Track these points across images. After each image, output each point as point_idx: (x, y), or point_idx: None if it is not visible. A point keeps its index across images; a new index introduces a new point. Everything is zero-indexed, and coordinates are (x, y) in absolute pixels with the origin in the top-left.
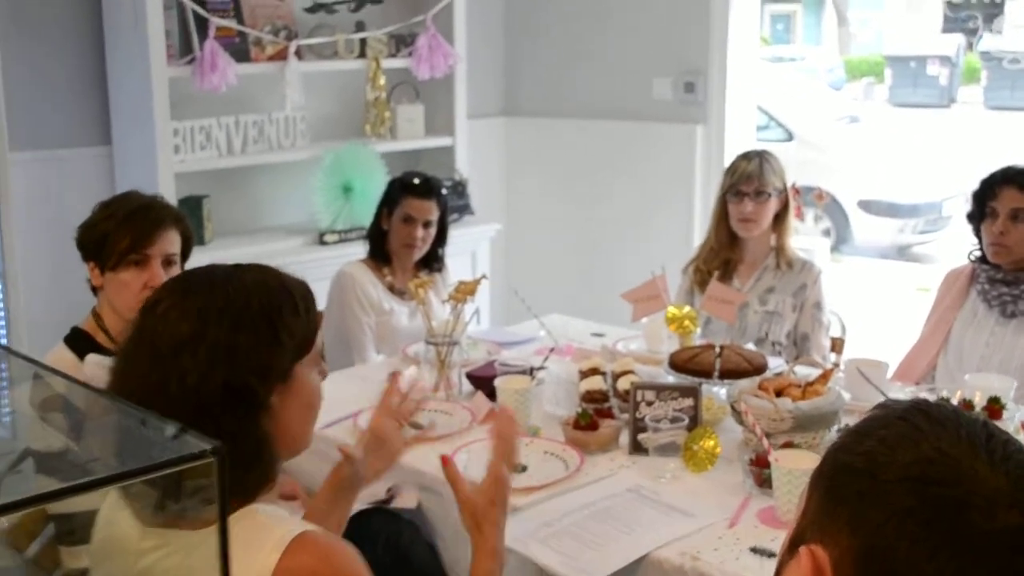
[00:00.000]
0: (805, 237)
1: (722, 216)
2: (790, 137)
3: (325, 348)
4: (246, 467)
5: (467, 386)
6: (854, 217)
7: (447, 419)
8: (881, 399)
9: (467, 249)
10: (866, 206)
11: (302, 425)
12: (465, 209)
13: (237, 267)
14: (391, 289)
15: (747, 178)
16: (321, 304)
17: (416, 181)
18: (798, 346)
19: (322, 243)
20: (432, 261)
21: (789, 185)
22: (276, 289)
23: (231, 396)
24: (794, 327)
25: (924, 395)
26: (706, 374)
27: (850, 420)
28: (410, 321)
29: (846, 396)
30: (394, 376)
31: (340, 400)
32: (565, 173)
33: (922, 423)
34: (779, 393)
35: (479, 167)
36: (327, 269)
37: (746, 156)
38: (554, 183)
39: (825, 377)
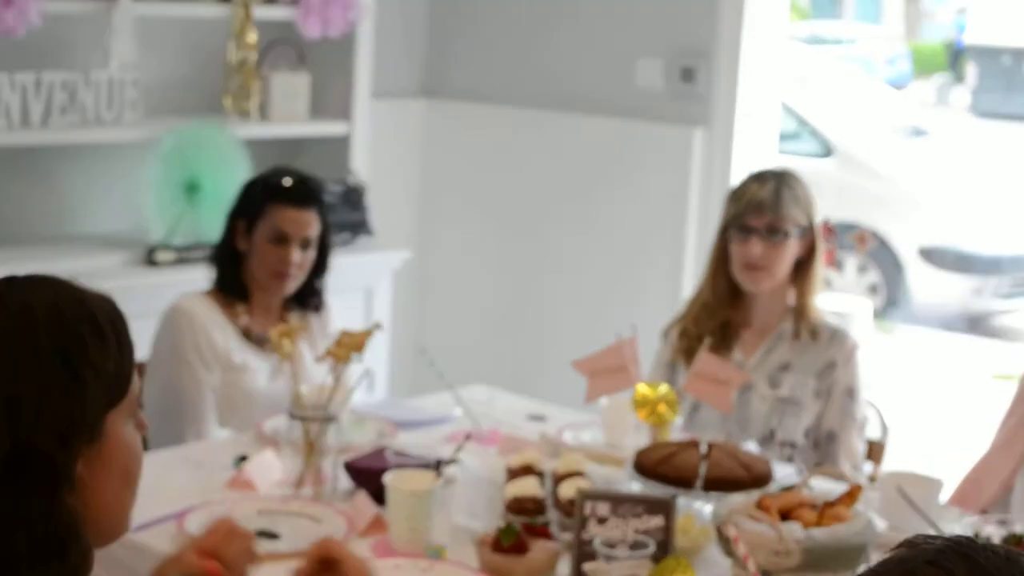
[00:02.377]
0: (840, 295)
1: (721, 259)
2: (827, 152)
3: (146, 415)
4: (46, 569)
5: (345, 481)
6: (912, 270)
7: (313, 528)
8: (928, 531)
9: (359, 285)
10: (929, 256)
11: (119, 499)
12: (360, 227)
13: (12, 281)
14: (246, 335)
15: (758, 208)
16: (142, 350)
17: (288, 183)
18: (820, 449)
19: (151, 263)
20: (307, 298)
21: (819, 221)
22: (72, 310)
23: (18, 468)
24: (816, 422)
25: (989, 529)
26: (685, 483)
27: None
28: (270, 383)
29: (880, 524)
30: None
31: (162, 491)
32: (506, 184)
33: (959, 572)
34: (786, 515)
35: (385, 168)
36: (156, 301)
37: (760, 177)
38: (490, 198)
39: (852, 496)
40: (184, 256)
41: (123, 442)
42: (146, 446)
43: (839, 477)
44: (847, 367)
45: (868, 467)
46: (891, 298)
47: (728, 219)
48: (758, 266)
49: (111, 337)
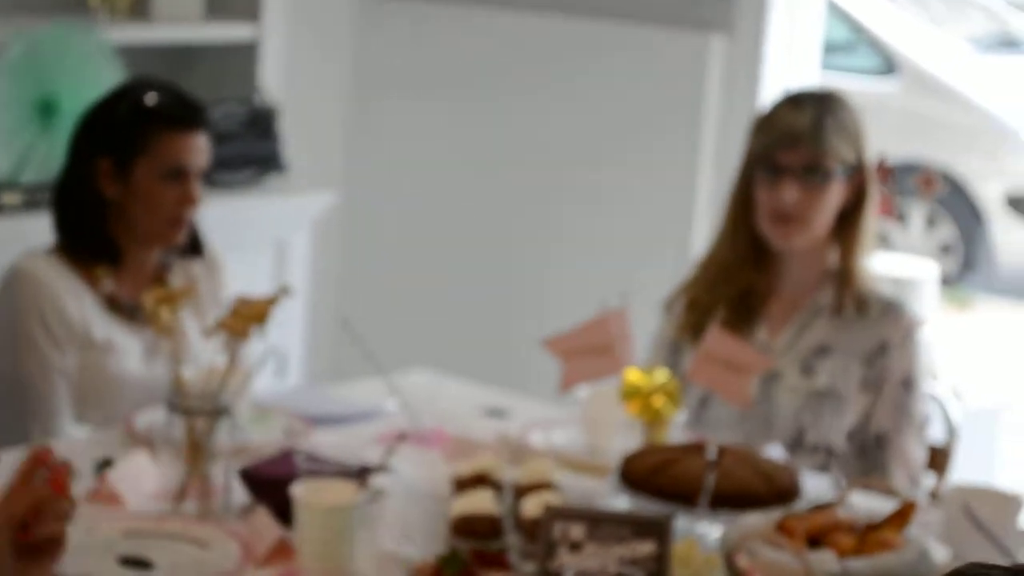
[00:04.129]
0: (900, 257)
1: (743, 207)
2: (889, 69)
3: None
4: None
5: (241, 494)
6: (996, 225)
7: (197, 554)
8: (998, 559)
9: (267, 237)
10: (1019, 206)
11: None
12: (270, 162)
13: None
14: (111, 305)
15: (792, 140)
16: None
17: (159, 100)
18: (866, 456)
19: None
20: (192, 247)
21: (873, 158)
22: None
23: None
24: (862, 422)
25: None
26: (686, 498)
27: None
28: (144, 365)
29: (940, 554)
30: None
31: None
32: (462, 108)
33: None
34: (817, 541)
35: (304, 85)
36: None
37: (795, 101)
38: (440, 125)
39: (903, 516)
40: (35, 199)
41: None
42: None
43: (888, 492)
44: (904, 351)
45: (929, 480)
46: (968, 261)
47: (753, 155)
48: (791, 216)
49: None
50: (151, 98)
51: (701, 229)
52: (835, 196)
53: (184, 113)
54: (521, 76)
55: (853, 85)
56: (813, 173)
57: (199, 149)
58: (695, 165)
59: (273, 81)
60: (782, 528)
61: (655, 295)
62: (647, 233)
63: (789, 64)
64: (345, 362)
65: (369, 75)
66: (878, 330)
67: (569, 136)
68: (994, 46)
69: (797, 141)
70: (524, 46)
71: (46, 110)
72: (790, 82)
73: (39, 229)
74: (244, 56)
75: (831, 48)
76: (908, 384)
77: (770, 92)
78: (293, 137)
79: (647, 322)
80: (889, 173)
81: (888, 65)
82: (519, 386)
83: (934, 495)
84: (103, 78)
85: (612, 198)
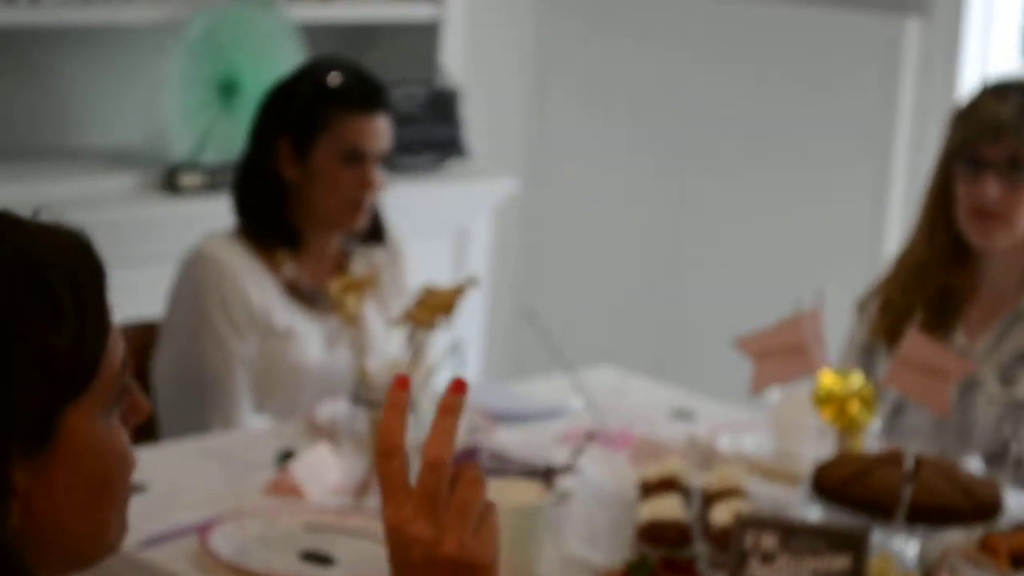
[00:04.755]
0: None
1: (941, 203)
2: None
3: (157, 393)
4: None
5: None
6: None
7: (377, 550)
8: None
9: (448, 225)
10: None
11: (90, 512)
12: (452, 147)
13: None
14: (293, 292)
15: (994, 132)
16: (151, 305)
17: (343, 80)
18: None
19: (172, 188)
20: (374, 233)
21: None
22: (9, 265)
23: None
24: None
25: None
26: (883, 511)
27: None
28: (326, 354)
29: None
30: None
31: (179, 496)
32: (650, 94)
33: None
34: (1021, 561)
35: (488, 66)
36: (177, 239)
37: (998, 91)
38: (628, 112)
39: None
40: (216, 180)
41: (90, 443)
42: (156, 434)
43: None
44: None
45: None
46: None
47: (953, 148)
48: (992, 213)
49: (68, 304)
50: (334, 78)
51: (895, 226)
52: None
53: (365, 94)
54: (707, 65)
55: None
56: (1017, 168)
57: (380, 132)
58: (889, 158)
59: (455, 62)
60: (985, 546)
61: (848, 295)
62: (839, 230)
63: (988, 50)
64: (526, 357)
65: (552, 58)
66: None
67: (758, 128)
68: None
69: (1000, 134)
70: (711, 33)
71: (227, 90)
72: (990, 69)
73: (220, 211)
74: (426, 36)
75: None
76: None
77: (969, 80)
78: (474, 121)
79: (840, 323)
80: None
81: None
82: (707, 387)
83: None
84: (284, 57)
85: (802, 192)
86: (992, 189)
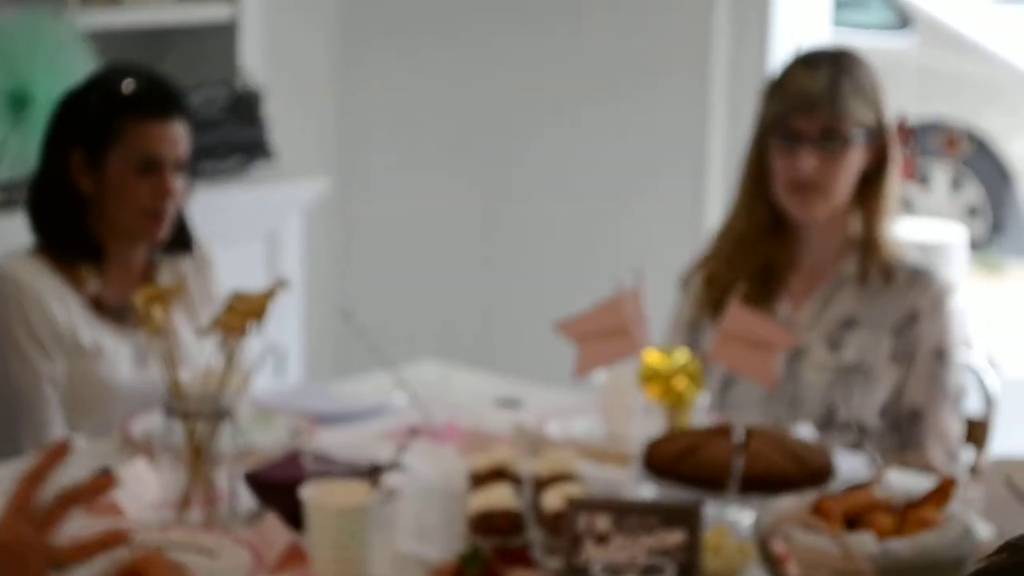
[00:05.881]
0: (925, 221)
1: (758, 177)
2: (904, 23)
3: None
4: None
5: (248, 499)
6: None
7: (205, 564)
8: None
9: (257, 228)
10: None
11: None
12: (257, 149)
13: None
14: (98, 307)
15: (807, 105)
16: None
17: (135, 86)
18: (900, 432)
19: None
20: (179, 242)
21: (893, 119)
22: None
23: None
24: (894, 396)
25: None
26: (715, 484)
27: None
28: (136, 369)
29: (983, 531)
30: (102, 478)
31: None
32: (461, 85)
33: None
34: (854, 522)
35: (289, 65)
36: None
37: (809, 61)
38: (439, 104)
39: (943, 493)
40: (10, 196)
41: None
42: None
43: (925, 468)
44: (935, 320)
45: (968, 454)
46: (998, 223)
47: (767, 122)
48: (809, 185)
49: None
50: (127, 85)
51: (715, 200)
52: (855, 162)
53: (156, 100)
54: (516, 48)
55: (866, 41)
56: (831, 139)
57: (175, 138)
58: (705, 133)
59: (255, 62)
60: (818, 510)
61: (671, 272)
62: (658, 208)
63: (799, 20)
64: (346, 357)
65: (356, 54)
66: (906, 299)
67: (571, 108)
68: None
69: (813, 106)
70: (522, 16)
71: (18, 103)
72: (801, 39)
73: (17, 229)
74: (223, 37)
75: (842, 3)
76: (941, 355)
77: (780, 50)
78: (280, 121)
79: (664, 300)
80: (911, 134)
81: (902, 19)
82: (532, 374)
83: (974, 470)
84: (77, 67)
85: (619, 173)
86: (808, 162)
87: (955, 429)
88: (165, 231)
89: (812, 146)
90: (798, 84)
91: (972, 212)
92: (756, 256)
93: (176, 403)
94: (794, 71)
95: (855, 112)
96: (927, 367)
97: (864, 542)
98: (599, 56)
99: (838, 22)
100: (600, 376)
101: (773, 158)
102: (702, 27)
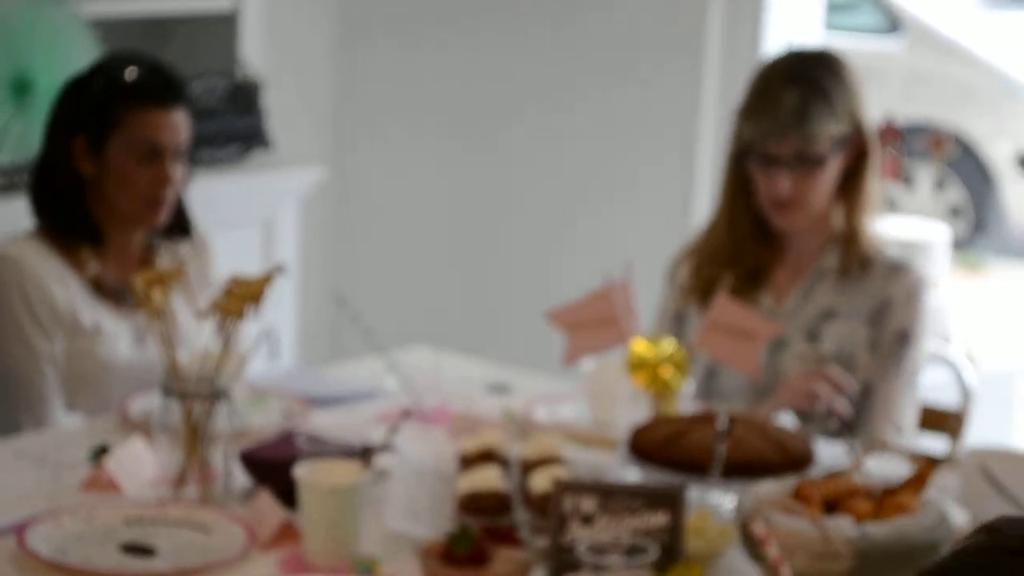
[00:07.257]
0: (909, 219)
1: (739, 191)
2: (893, 27)
3: None
4: None
5: (242, 478)
6: (1008, 186)
7: (199, 540)
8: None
9: (254, 215)
10: None
11: None
12: (255, 138)
13: None
14: (98, 288)
15: (779, 132)
16: None
17: (138, 74)
18: (858, 410)
19: None
20: (176, 224)
21: (873, 118)
22: None
23: None
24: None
25: None
26: (698, 468)
27: None
28: (135, 350)
29: (958, 517)
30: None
31: None
32: (456, 77)
33: None
34: (833, 507)
35: (288, 56)
36: None
37: (782, 76)
38: (433, 95)
39: (920, 480)
40: (12, 180)
41: None
42: None
43: (894, 452)
44: (906, 307)
45: (944, 444)
46: (979, 223)
47: (743, 143)
48: (789, 202)
49: None
50: (129, 73)
51: (704, 194)
52: (832, 172)
53: (159, 88)
54: (511, 44)
55: (856, 44)
56: (804, 162)
57: (175, 126)
58: (695, 127)
59: (255, 53)
60: (798, 495)
61: (659, 265)
62: (647, 201)
63: (791, 24)
64: (340, 342)
65: (355, 46)
66: (882, 289)
67: (564, 102)
68: (1001, 1)
69: (784, 133)
70: (515, 12)
71: (19, 89)
72: (792, 41)
73: (13, 213)
74: (225, 28)
75: (833, 6)
76: (904, 337)
77: (773, 45)
78: (278, 111)
79: (652, 293)
80: (897, 136)
81: (892, 23)
82: (522, 361)
83: (951, 459)
84: (78, 54)
85: (610, 167)
86: (784, 184)
87: (905, 407)
88: (164, 217)
89: (788, 168)
90: (769, 110)
91: (955, 212)
92: (741, 262)
93: (174, 383)
94: (766, 92)
95: (826, 131)
96: (887, 347)
97: (842, 526)
98: (593, 50)
99: (830, 26)
100: (588, 364)
101: (754, 174)
102: (695, 21)
